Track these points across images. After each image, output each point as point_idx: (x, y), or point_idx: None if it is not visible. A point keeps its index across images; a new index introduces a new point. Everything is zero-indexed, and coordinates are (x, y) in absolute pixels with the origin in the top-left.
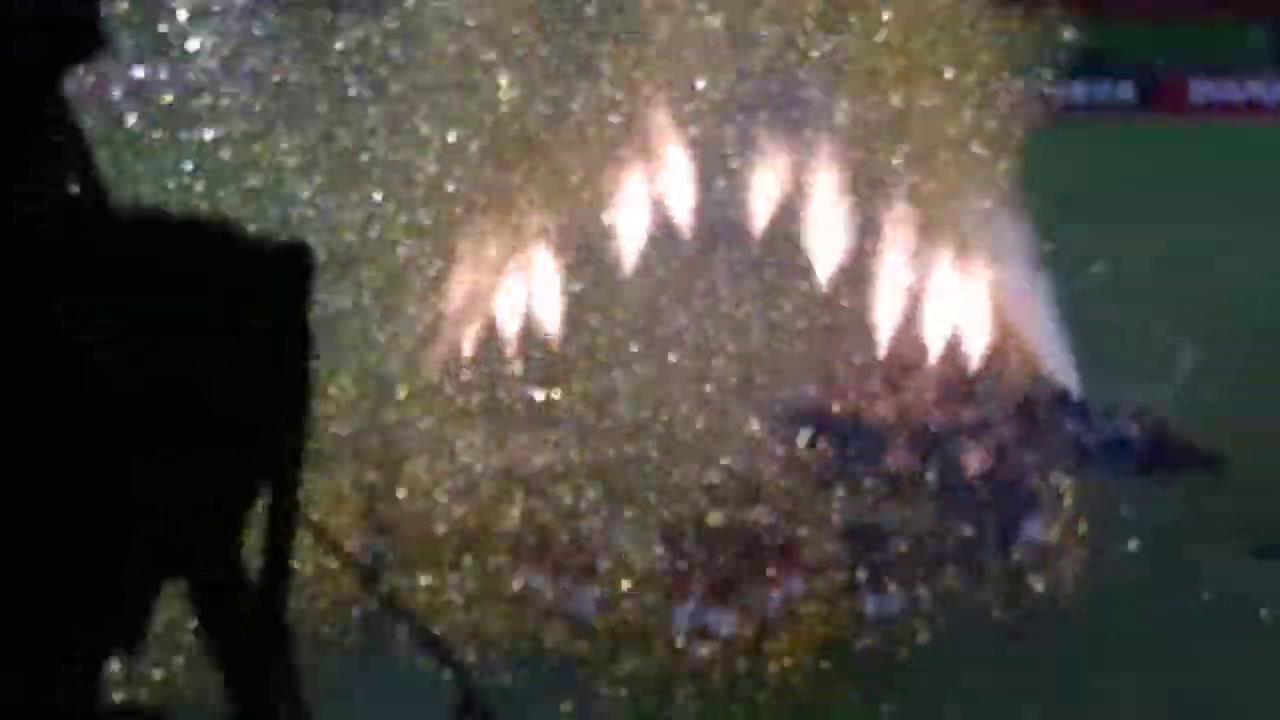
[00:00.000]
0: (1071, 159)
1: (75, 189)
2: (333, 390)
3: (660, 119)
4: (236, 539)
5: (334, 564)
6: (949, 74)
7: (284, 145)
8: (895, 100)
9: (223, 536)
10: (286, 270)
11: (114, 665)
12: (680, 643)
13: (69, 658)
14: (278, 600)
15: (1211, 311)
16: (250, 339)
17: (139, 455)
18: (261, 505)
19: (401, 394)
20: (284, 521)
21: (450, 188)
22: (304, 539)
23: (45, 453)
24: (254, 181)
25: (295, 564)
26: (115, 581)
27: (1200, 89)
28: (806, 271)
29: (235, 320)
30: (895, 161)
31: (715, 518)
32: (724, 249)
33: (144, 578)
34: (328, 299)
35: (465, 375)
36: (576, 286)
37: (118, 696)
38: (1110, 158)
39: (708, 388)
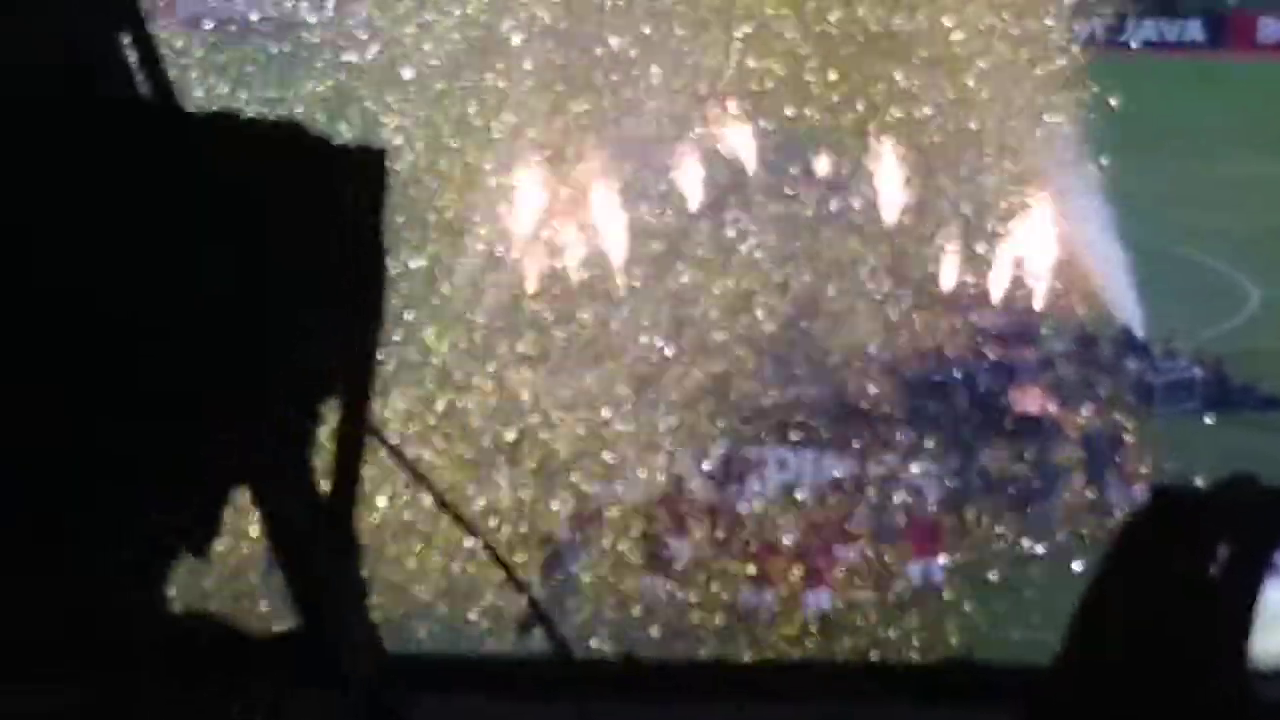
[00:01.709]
0: (1140, 98)
1: (144, 90)
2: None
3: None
4: (306, 452)
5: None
6: (1018, 16)
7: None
8: (960, 42)
9: (292, 448)
10: (361, 177)
11: (181, 570)
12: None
13: (137, 557)
14: (346, 514)
15: (1277, 250)
16: (320, 248)
17: (211, 361)
18: (332, 419)
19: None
20: (354, 436)
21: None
22: (378, 458)
23: (114, 355)
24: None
25: (364, 481)
26: (185, 484)
27: (1269, 27)
28: (873, 210)
29: (304, 228)
30: (962, 100)
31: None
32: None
33: (213, 483)
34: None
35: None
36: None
37: (184, 604)
38: (1179, 96)
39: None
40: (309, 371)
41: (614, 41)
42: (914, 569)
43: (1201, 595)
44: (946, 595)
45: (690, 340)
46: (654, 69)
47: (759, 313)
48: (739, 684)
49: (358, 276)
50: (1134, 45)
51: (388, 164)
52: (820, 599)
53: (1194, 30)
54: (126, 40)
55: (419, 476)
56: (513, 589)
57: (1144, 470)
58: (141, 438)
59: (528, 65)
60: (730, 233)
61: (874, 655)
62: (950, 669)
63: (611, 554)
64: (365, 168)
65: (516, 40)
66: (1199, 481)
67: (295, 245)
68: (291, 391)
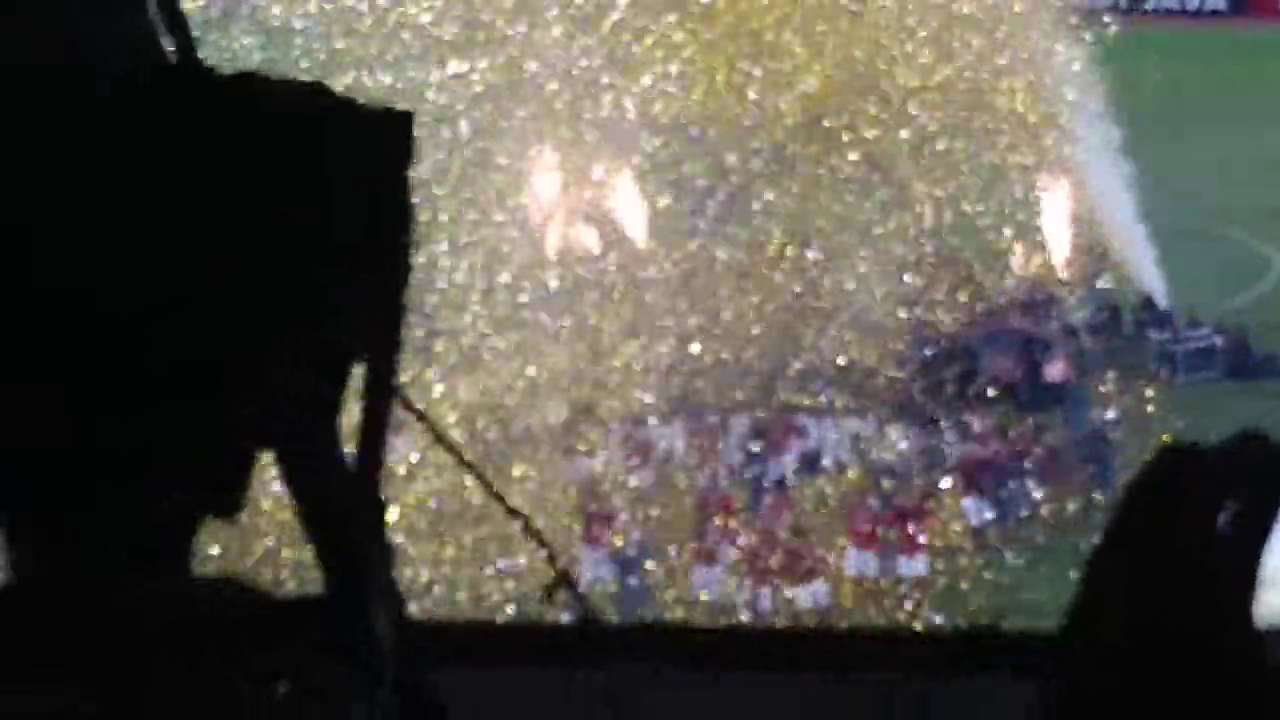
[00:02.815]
0: (1162, 65)
1: (166, 48)
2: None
3: None
4: (333, 416)
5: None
6: None
7: None
8: (981, 12)
9: (318, 415)
10: (387, 139)
11: (209, 532)
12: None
13: (165, 518)
14: (373, 479)
15: None
16: (347, 211)
17: (236, 323)
18: (359, 383)
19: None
20: (382, 401)
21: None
22: (409, 425)
23: (142, 319)
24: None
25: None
26: (211, 451)
27: None
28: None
29: (331, 191)
30: (982, 72)
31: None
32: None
33: (239, 449)
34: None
35: None
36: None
37: (212, 569)
38: (1201, 64)
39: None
40: (336, 337)
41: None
42: (938, 538)
43: (1210, 553)
44: (970, 563)
45: (708, 308)
46: None
47: (780, 279)
48: (757, 653)
49: (384, 241)
50: (1154, 14)
51: (414, 128)
52: (863, 562)
53: None
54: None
55: (448, 445)
56: (542, 557)
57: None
58: (166, 405)
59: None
60: (755, 204)
61: (893, 625)
62: (974, 638)
63: (645, 524)
64: (391, 130)
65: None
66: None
67: (320, 210)
68: (318, 357)
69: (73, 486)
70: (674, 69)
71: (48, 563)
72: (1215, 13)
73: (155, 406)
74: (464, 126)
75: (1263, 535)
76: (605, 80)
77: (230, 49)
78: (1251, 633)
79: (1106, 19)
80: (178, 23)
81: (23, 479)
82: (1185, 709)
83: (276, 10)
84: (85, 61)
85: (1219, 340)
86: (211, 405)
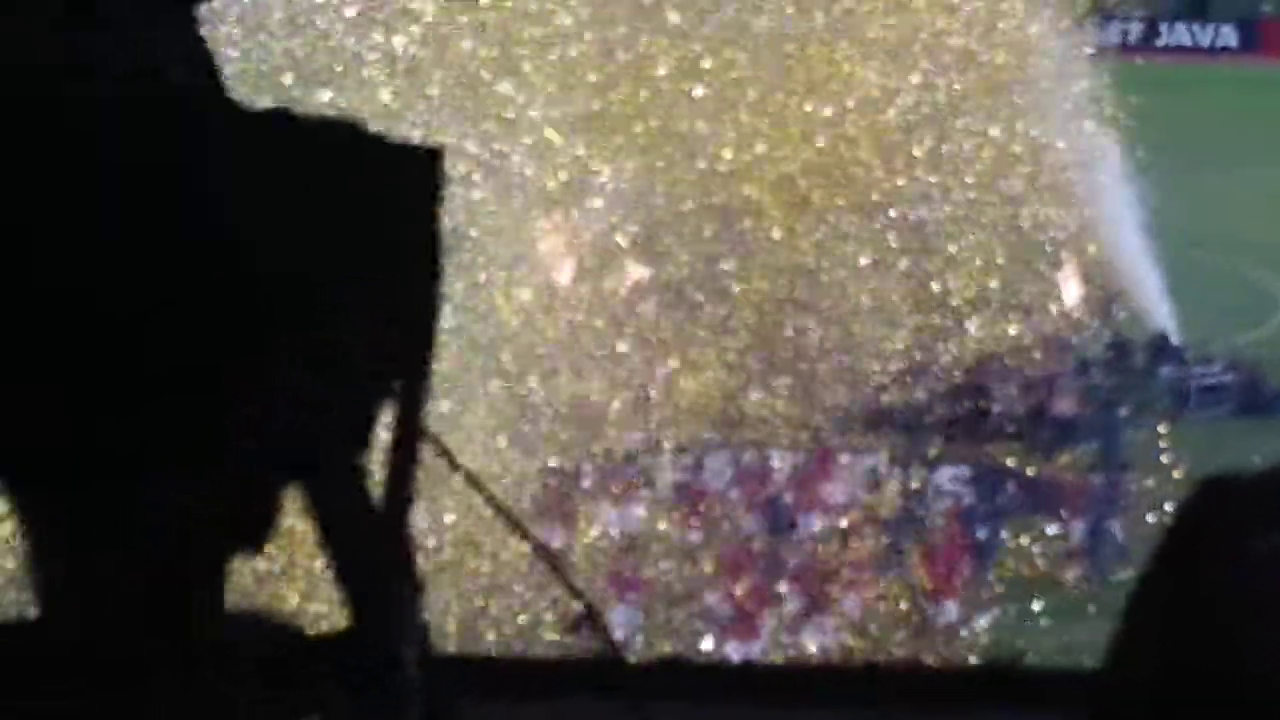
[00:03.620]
0: (1173, 102)
1: (192, 80)
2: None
3: None
4: (360, 452)
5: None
6: (1047, 19)
7: None
8: (985, 45)
9: (346, 446)
10: (418, 176)
11: (239, 569)
12: None
13: (193, 556)
14: (400, 515)
15: None
16: (378, 246)
17: (263, 360)
18: (386, 420)
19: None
20: (409, 437)
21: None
22: (431, 461)
23: (170, 347)
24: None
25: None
26: (239, 482)
27: None
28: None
29: (362, 226)
30: (988, 106)
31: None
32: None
33: (268, 477)
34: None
35: None
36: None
37: (242, 603)
38: (1212, 101)
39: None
40: (365, 370)
41: None
42: (957, 577)
43: (1245, 588)
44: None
45: (703, 343)
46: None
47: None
48: (786, 687)
49: (413, 273)
50: (1165, 50)
51: (444, 163)
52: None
53: (1227, 35)
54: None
55: (470, 478)
56: (566, 589)
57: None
58: (197, 433)
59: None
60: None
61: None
62: (1000, 673)
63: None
64: (422, 166)
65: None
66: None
67: (351, 241)
68: (346, 390)
69: (100, 508)
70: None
71: (74, 589)
72: (1226, 49)
73: (185, 431)
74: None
75: None
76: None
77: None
78: None
79: (1118, 54)
80: (203, 51)
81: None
82: None
83: None
84: (136, 67)
85: (1230, 377)
86: (241, 431)
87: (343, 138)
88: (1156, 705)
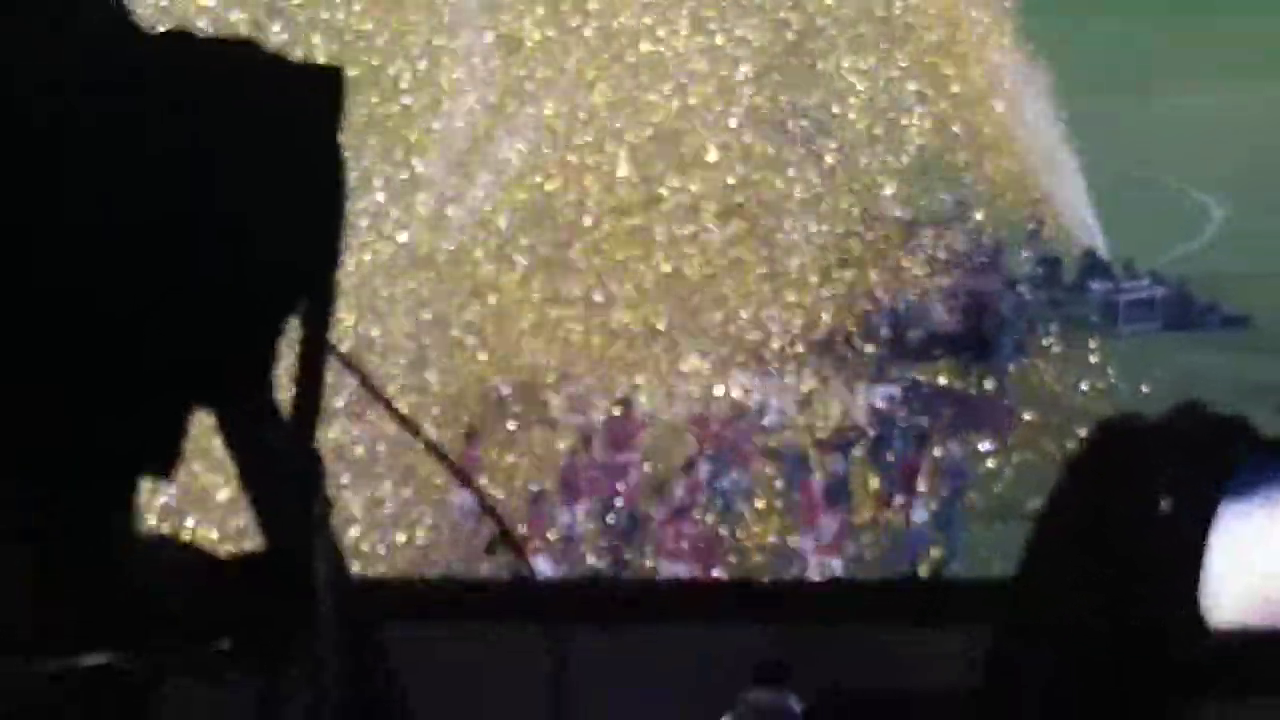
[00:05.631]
0: (1108, 22)
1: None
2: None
3: None
4: (268, 369)
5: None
6: None
7: None
8: None
9: (253, 365)
10: (318, 93)
11: (146, 491)
12: None
13: (102, 478)
14: (308, 433)
15: (1241, 172)
16: (280, 163)
17: (169, 277)
18: (294, 336)
19: None
20: (316, 353)
21: None
22: (342, 378)
23: (72, 269)
24: None
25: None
26: (146, 403)
27: None
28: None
29: (263, 144)
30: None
31: None
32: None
33: (174, 401)
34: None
35: None
36: None
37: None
38: (1149, 20)
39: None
40: (271, 290)
41: None
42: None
43: (1153, 525)
44: (918, 517)
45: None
46: None
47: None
48: (711, 604)
49: (318, 192)
50: None
51: (345, 79)
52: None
53: None
54: None
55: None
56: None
57: (1104, 387)
58: (104, 357)
59: None
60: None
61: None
62: (921, 590)
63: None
64: (323, 83)
65: None
66: (1152, 405)
67: (254, 161)
68: (253, 310)
69: (10, 438)
70: None
71: None
72: None
73: (91, 356)
74: None
75: (1204, 509)
76: None
77: None
78: (1199, 601)
79: None
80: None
81: None
82: (1125, 683)
83: None
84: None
85: (1159, 291)
86: (148, 354)
87: (241, 56)
88: (1060, 644)
